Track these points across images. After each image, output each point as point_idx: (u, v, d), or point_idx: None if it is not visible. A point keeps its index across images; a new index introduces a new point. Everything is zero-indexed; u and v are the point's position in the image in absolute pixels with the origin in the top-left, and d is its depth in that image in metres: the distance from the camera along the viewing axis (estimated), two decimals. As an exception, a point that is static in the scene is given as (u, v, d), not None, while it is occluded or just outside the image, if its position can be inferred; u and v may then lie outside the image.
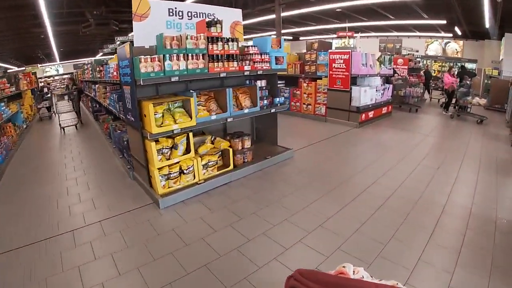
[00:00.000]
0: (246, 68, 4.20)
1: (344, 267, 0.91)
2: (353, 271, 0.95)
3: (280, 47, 4.73)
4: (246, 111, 4.31)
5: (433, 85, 13.09)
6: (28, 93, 10.01)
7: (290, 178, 4.29)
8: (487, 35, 15.53)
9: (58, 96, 8.95)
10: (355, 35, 15.04)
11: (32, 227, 3.35)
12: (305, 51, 8.81)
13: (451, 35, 18.32)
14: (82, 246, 2.93)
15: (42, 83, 12.28)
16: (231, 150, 4.23)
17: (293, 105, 8.86)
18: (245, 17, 16.51)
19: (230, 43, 3.99)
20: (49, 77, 22.06)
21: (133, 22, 4.07)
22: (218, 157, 4.36)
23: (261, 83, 4.67)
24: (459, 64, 15.90)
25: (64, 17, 10.38)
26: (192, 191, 3.85)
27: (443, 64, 19.28)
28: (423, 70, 12.47)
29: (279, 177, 4.34)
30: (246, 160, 4.54)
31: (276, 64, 4.66)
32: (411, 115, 8.98)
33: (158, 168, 3.68)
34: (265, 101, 4.56)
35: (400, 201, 3.59)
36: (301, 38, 23.53)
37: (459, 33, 16.82)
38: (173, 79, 3.55)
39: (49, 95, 9.30)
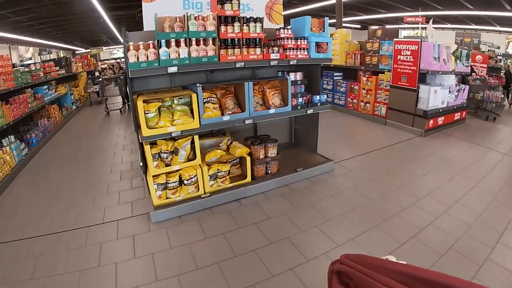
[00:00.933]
0: (273, 56, 3.29)
1: (386, 258, 0.78)
2: None
3: (324, 31, 3.68)
4: (272, 111, 3.42)
5: None
6: (84, 75, 10.43)
7: (321, 202, 3.32)
8: None
9: (106, 80, 9.05)
10: (425, 25, 12.81)
11: (24, 222, 3.18)
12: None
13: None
14: (58, 253, 2.64)
15: (106, 65, 12.83)
16: (248, 158, 3.42)
17: (350, 102, 7.58)
18: (303, 2, 15.51)
19: (251, 24, 3.12)
20: (115, 59, 23.57)
21: (142, 3, 3.46)
22: (235, 165, 3.60)
23: (295, 76, 3.69)
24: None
25: (119, 1, 10.47)
26: (193, 205, 3.18)
27: (527, 65, 16.37)
28: (504, 71, 10.01)
29: (307, 199, 3.39)
30: (269, 171, 3.67)
31: (318, 52, 3.64)
32: (487, 125, 7.08)
33: (154, 176, 3.08)
34: (300, 99, 3.59)
35: (459, 261, 2.41)
36: (371, 28, 21.40)
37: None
38: (170, 70, 2.85)
39: (100, 79, 9.49)
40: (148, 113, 2.90)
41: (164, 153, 3.14)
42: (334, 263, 0.79)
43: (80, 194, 3.75)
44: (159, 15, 2.97)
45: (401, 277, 0.66)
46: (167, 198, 3.20)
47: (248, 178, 3.46)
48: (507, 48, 17.68)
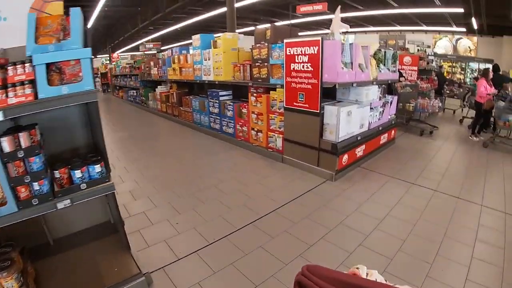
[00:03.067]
0: None
1: (357, 268, 0.82)
2: (367, 273, 0.85)
3: (70, 36, 1.76)
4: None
5: (448, 91, 10.11)
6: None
7: None
8: (508, 30, 13.27)
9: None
10: (356, 29, 13.04)
11: None
12: (262, 43, 5.08)
13: (464, 29, 15.55)
14: None
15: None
16: None
17: (239, 130, 5.58)
18: (207, 9, 12.91)
19: None
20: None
21: None
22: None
23: (13, 141, 1.67)
24: (487, 65, 11.66)
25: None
26: None
27: (454, 64, 16.19)
28: (436, 72, 9.10)
29: None
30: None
31: (59, 83, 1.73)
32: (423, 143, 5.81)
33: None
34: (36, 186, 1.70)
35: None
36: (258, 27, 19.73)
37: (475, 26, 13.75)
38: None
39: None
40: None
41: None
42: (298, 274, 0.77)
43: None
44: None
45: None
46: None
47: None
48: (434, 48, 17.31)
